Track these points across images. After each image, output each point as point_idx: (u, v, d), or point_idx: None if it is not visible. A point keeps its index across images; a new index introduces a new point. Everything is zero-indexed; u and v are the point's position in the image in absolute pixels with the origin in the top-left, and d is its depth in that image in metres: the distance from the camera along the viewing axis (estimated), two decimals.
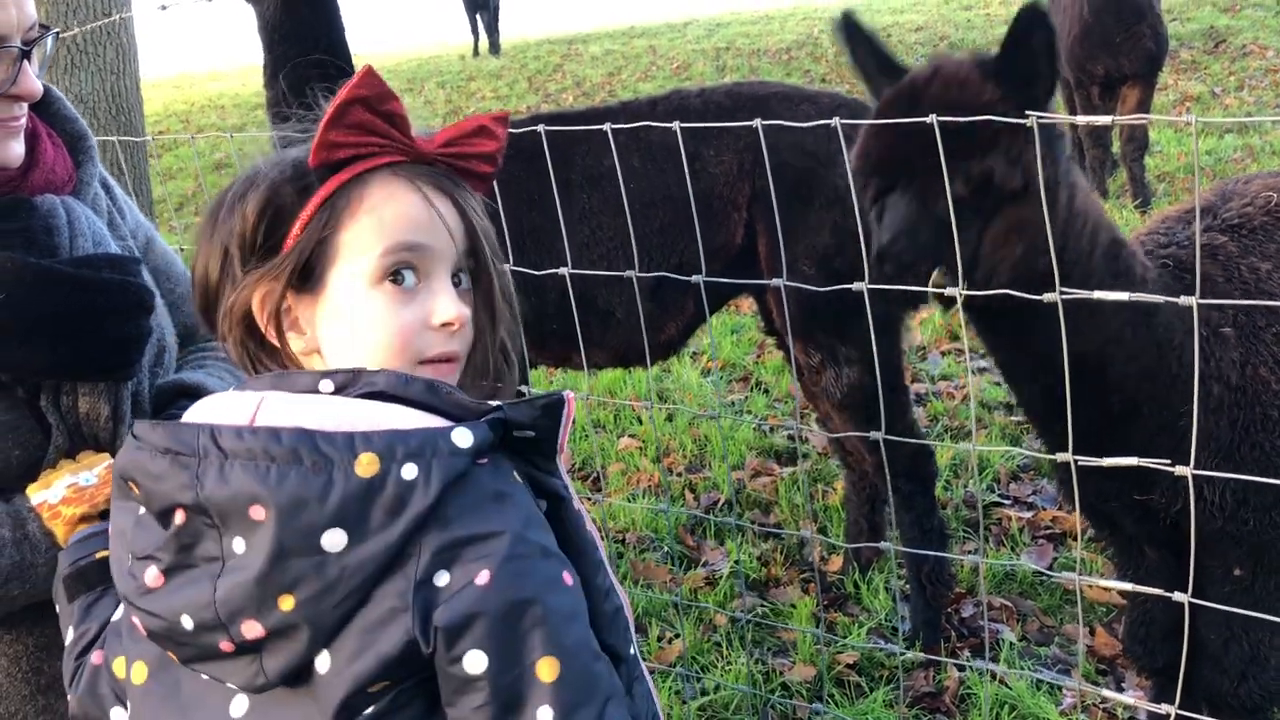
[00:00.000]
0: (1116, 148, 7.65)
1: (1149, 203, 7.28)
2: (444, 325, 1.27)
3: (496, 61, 18.18)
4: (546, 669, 1.11)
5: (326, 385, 1.20)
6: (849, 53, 2.15)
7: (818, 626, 3.51)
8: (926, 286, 1.93)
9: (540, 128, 2.70)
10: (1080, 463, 1.79)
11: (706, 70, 14.53)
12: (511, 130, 3.11)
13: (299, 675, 1.15)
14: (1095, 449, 1.89)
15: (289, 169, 1.28)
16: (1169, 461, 1.65)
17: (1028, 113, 1.82)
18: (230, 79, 20.74)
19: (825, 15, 18.28)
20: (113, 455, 1.63)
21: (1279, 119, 1.55)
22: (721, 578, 3.94)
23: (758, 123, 1.90)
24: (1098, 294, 1.65)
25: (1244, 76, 10.46)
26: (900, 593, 3.77)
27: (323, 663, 1.14)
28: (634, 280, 2.39)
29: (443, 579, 1.12)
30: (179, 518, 1.16)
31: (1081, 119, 1.63)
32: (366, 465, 1.12)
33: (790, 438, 4.94)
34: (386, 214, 1.25)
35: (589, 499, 4.58)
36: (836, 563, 4.04)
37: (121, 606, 1.32)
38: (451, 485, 1.13)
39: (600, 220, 3.45)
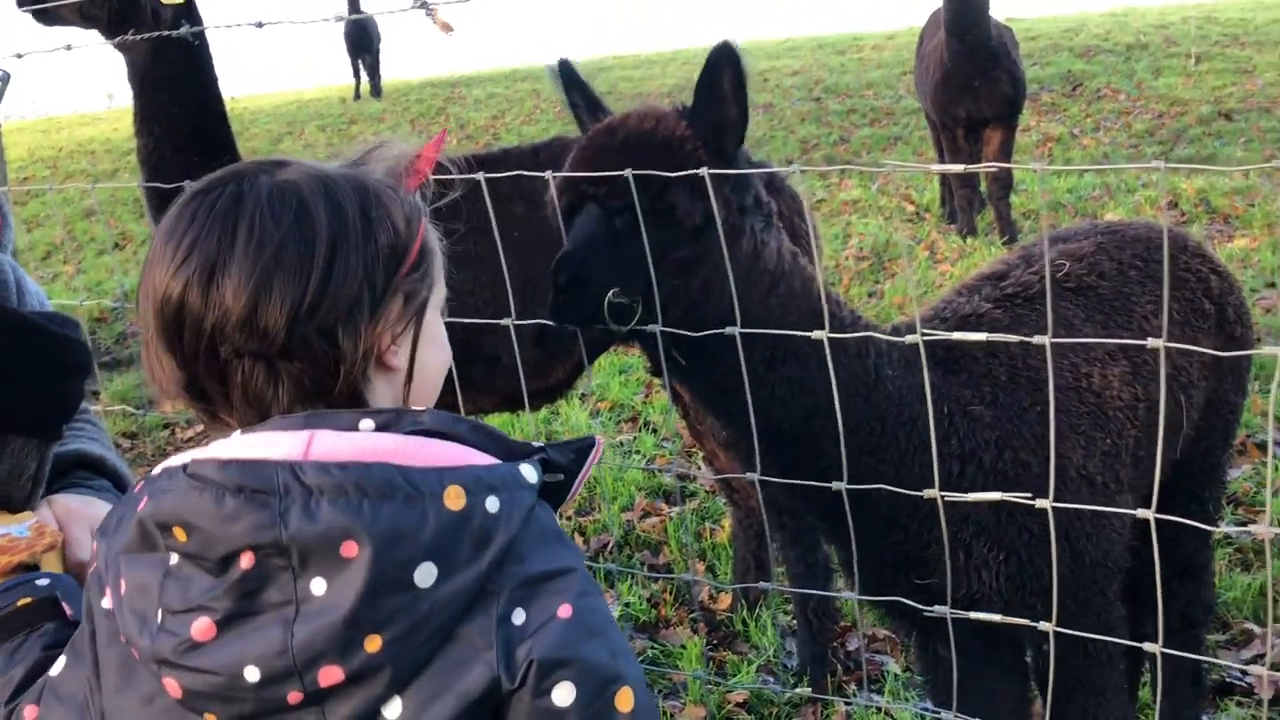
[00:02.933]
0: (984, 187, 7.97)
1: (1015, 239, 7.60)
2: None
3: (378, 104, 18.07)
4: (625, 699, 1.15)
5: (367, 424, 1.15)
6: (565, 96, 2.22)
7: (707, 667, 3.53)
8: (601, 304, 1.97)
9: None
10: (946, 497, 1.85)
11: None
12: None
13: None
14: (836, 532, 1.91)
15: (400, 191, 1.26)
16: (1029, 496, 1.72)
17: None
18: (102, 123, 20.14)
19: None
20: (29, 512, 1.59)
21: (1123, 166, 1.65)
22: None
23: (629, 172, 1.93)
24: (957, 335, 1.72)
25: (1099, 118, 11.03)
26: (788, 628, 3.82)
27: (393, 710, 1.12)
28: (511, 328, 2.41)
29: (519, 616, 1.13)
30: (245, 561, 1.10)
31: (935, 167, 1.71)
32: (455, 498, 1.11)
33: (679, 477, 4.98)
34: (439, 247, 1.30)
35: None
36: (726, 601, 4.08)
37: (61, 662, 1.25)
38: (525, 520, 1.15)
39: (485, 266, 3.46)
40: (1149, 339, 1.53)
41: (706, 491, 4.83)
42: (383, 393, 1.24)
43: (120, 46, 3.34)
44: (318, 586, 1.09)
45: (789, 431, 2.09)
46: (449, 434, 1.17)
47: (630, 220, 1.99)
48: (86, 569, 1.59)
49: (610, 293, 1.99)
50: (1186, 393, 2.48)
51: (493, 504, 1.13)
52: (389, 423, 1.16)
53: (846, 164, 10.49)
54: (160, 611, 1.13)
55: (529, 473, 1.17)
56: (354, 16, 19.03)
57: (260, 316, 1.14)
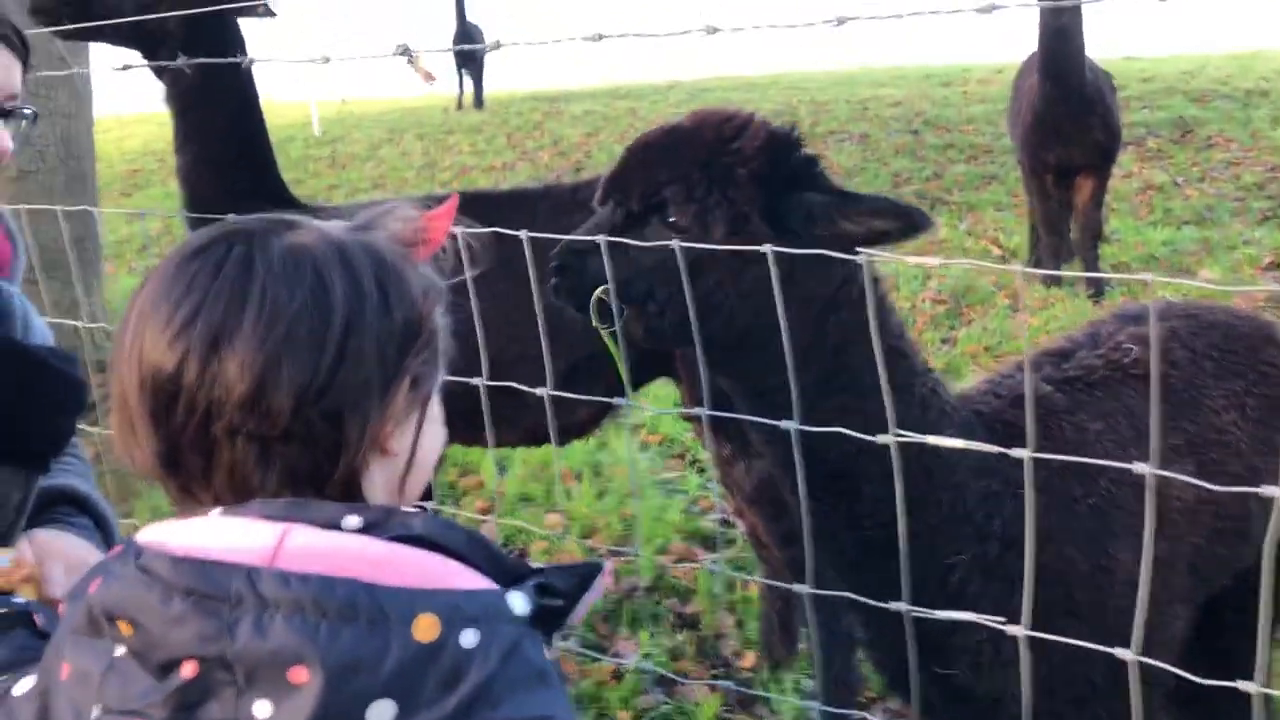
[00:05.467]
0: (1074, 236, 7.66)
1: (1103, 292, 7.28)
2: None
3: (478, 116, 18.27)
4: None
5: (352, 521, 1.05)
6: None
7: None
8: (588, 301, 1.90)
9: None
10: (913, 611, 1.70)
11: None
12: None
13: None
14: (854, 583, 1.79)
15: (414, 264, 1.18)
16: (1003, 620, 1.57)
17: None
18: None
19: (808, 85, 18.49)
20: (9, 546, 1.59)
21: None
22: (629, 671, 3.83)
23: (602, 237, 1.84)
24: (933, 439, 1.58)
25: (1207, 168, 10.55)
26: (812, 694, 3.67)
27: None
28: (481, 387, 2.35)
29: None
30: (188, 670, 1.01)
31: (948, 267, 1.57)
32: (426, 629, 1.00)
33: (721, 522, 4.86)
34: (443, 323, 1.21)
35: None
36: (750, 659, 3.94)
37: (28, 683, 1.16)
38: (505, 657, 1.02)
39: (517, 306, 3.41)
40: (1135, 464, 1.37)
41: (745, 540, 4.70)
42: (378, 480, 1.15)
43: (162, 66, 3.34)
44: (262, 710, 0.99)
45: (832, 463, 1.96)
46: (440, 544, 1.06)
47: (625, 217, 1.92)
48: (59, 606, 1.58)
49: (600, 290, 1.92)
50: (1259, 499, 2.30)
51: (469, 638, 1.01)
52: (376, 523, 1.06)
53: (937, 200, 10.23)
54: (97, 708, 1.04)
55: (518, 603, 1.05)
56: (461, 28, 19.43)
57: (264, 397, 1.05)
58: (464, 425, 3.50)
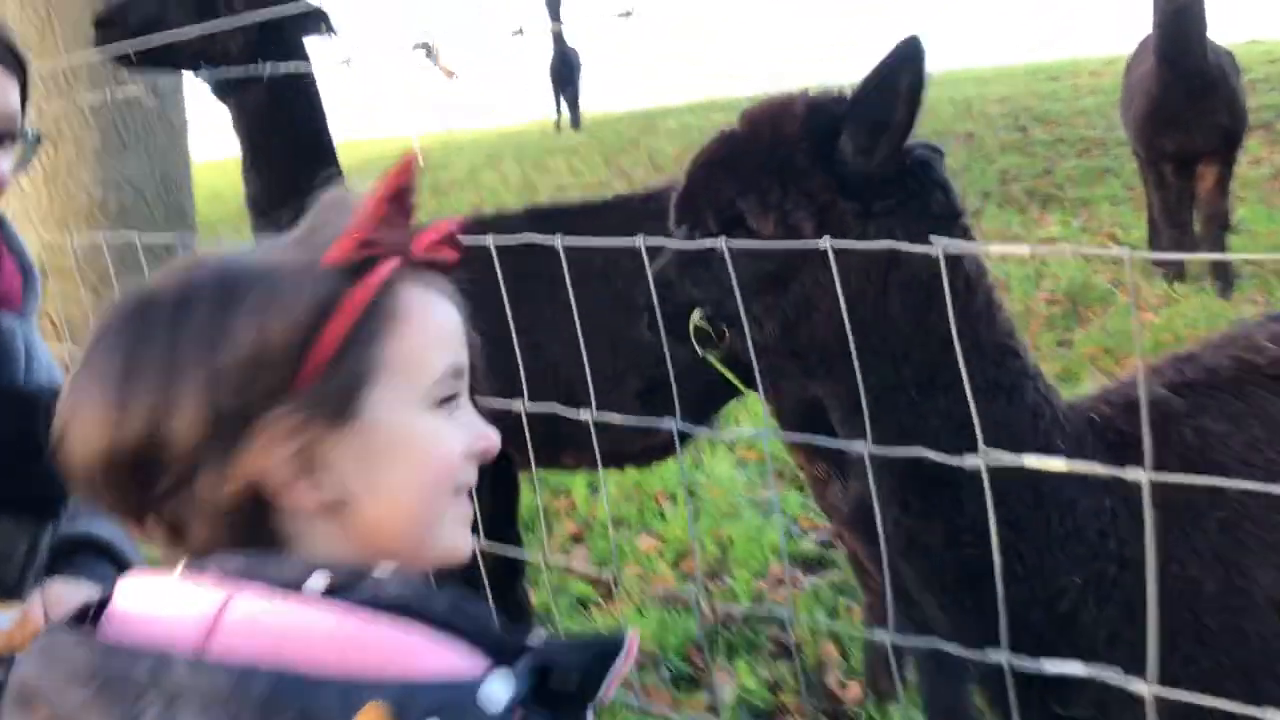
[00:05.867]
0: (1199, 228, 7.18)
1: (1231, 287, 6.80)
2: (484, 451, 1.08)
3: (576, 137, 18.30)
4: None
5: (317, 582, 0.92)
6: None
7: None
8: (686, 326, 1.83)
9: (503, 235, 2.51)
10: (1018, 667, 1.47)
11: None
12: (501, 220, 2.97)
13: None
14: (954, 610, 1.57)
15: (302, 275, 1.00)
16: (1121, 670, 1.33)
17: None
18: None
19: None
20: (18, 599, 1.52)
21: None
22: (725, 705, 3.62)
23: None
24: (1029, 459, 1.35)
25: None
26: None
27: None
28: (522, 411, 2.19)
29: None
30: None
31: (996, 248, 1.35)
32: None
33: (822, 544, 4.61)
34: (434, 328, 1.05)
35: (598, 605, 4.32)
36: (855, 691, 3.69)
37: None
38: None
39: (590, 320, 3.25)
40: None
41: (847, 563, 4.44)
42: (326, 540, 0.99)
43: (228, 89, 3.28)
44: None
45: (930, 474, 1.75)
46: (417, 611, 0.91)
47: (704, 236, 1.82)
48: None
49: (697, 316, 1.84)
50: None
51: None
52: (346, 584, 0.91)
53: (1048, 196, 9.77)
54: None
55: (495, 692, 0.89)
56: (560, 52, 19.46)
57: (115, 462, 0.98)
58: (543, 450, 3.37)
